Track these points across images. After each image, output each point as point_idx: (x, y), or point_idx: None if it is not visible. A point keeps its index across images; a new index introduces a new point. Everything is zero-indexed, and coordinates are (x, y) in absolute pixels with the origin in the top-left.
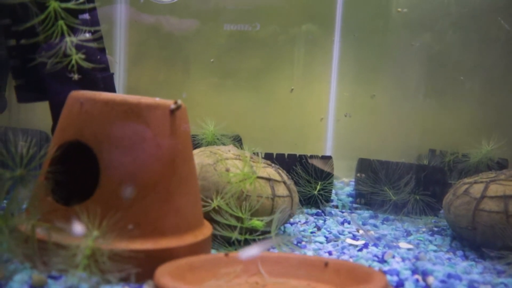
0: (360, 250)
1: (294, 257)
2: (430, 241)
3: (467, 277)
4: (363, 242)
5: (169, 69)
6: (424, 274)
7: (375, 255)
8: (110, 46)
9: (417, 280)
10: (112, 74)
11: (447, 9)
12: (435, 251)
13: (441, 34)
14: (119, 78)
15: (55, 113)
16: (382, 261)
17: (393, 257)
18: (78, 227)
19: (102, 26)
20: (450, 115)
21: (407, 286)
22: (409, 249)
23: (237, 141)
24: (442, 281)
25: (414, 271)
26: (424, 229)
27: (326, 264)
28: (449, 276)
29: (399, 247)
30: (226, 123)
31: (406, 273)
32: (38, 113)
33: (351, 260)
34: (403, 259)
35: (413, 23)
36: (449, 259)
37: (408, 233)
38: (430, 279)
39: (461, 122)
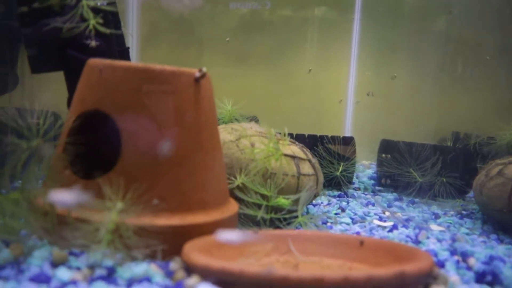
0: (390, 231)
1: (327, 235)
2: (461, 224)
3: (510, 260)
4: (391, 223)
5: (183, 50)
6: (464, 255)
7: (408, 236)
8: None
9: (457, 261)
10: (128, 48)
11: None
12: (467, 234)
13: (466, 13)
14: (132, 60)
15: (71, 83)
16: (417, 242)
17: (428, 238)
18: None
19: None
20: (474, 97)
21: (448, 267)
22: (441, 232)
23: (255, 122)
24: (485, 263)
25: (452, 252)
26: (452, 212)
27: (361, 242)
28: (491, 258)
29: (430, 229)
30: (242, 104)
31: (444, 254)
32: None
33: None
34: (439, 240)
35: (437, 2)
36: (484, 242)
37: (436, 216)
38: (472, 261)
39: (486, 104)
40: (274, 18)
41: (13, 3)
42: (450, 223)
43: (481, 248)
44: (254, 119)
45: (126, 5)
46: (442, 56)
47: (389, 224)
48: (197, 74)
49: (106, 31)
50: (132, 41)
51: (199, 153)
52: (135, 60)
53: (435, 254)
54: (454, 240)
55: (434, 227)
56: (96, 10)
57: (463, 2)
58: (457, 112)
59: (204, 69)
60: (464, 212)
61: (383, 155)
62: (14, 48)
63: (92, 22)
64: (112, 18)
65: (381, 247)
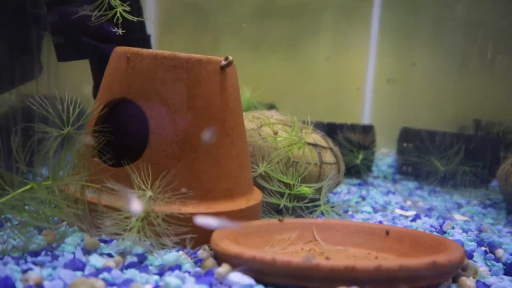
0: (413, 220)
1: (352, 224)
2: (485, 214)
3: None
4: (413, 212)
5: (200, 36)
6: (491, 246)
7: (432, 226)
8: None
9: (485, 252)
10: (150, 35)
11: None
12: (492, 224)
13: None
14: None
15: (97, 72)
16: (441, 231)
17: (453, 228)
18: None
19: None
20: (496, 84)
21: (476, 258)
22: (466, 222)
23: (272, 109)
24: None
25: (479, 243)
26: (475, 202)
27: (387, 232)
28: None
29: (454, 219)
30: (260, 91)
31: (471, 245)
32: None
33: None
34: (464, 231)
35: None
36: (510, 233)
37: (459, 206)
38: (500, 252)
39: (509, 91)
40: (290, 4)
41: None
42: (474, 212)
43: (509, 239)
44: (272, 106)
45: None
46: (464, 42)
47: (411, 213)
48: (223, 62)
49: (133, 18)
50: (150, 28)
51: (225, 141)
52: (154, 47)
53: (462, 245)
54: (480, 230)
55: (457, 217)
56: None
57: None
58: (478, 99)
59: (230, 58)
60: (487, 202)
61: (404, 144)
62: (38, 36)
63: (119, 10)
64: (135, 6)
65: (407, 236)
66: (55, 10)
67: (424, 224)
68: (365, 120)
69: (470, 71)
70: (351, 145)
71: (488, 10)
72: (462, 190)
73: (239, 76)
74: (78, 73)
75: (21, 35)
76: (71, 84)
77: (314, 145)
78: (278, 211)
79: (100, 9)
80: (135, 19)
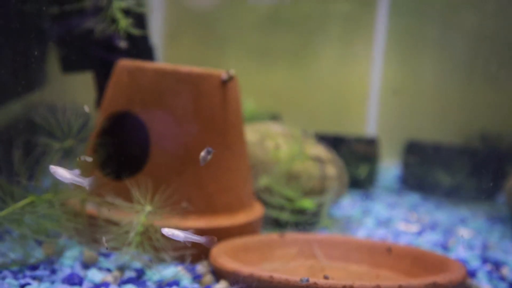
0: (417, 235)
1: (353, 240)
2: (491, 229)
3: None
4: (418, 227)
5: (205, 47)
6: (497, 264)
7: (436, 242)
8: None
9: (490, 271)
10: (154, 46)
11: None
12: (498, 240)
13: (496, 8)
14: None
15: (100, 83)
16: (446, 248)
17: (458, 243)
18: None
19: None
20: (503, 95)
21: (480, 276)
22: (471, 238)
23: (277, 120)
24: None
25: (484, 261)
26: (481, 216)
27: (389, 249)
28: None
29: (459, 235)
30: (264, 101)
31: (475, 263)
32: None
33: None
34: (469, 248)
35: None
36: None
37: (465, 220)
38: (505, 270)
39: None
40: (295, 14)
41: (43, 3)
42: (480, 227)
43: None
44: (276, 116)
45: (150, 3)
46: (471, 52)
47: (415, 228)
48: (224, 77)
49: (136, 32)
50: (157, 38)
51: (226, 155)
52: (160, 57)
53: (466, 262)
54: (485, 247)
55: (463, 232)
56: (125, 11)
57: None
58: (485, 111)
59: (232, 72)
60: (494, 216)
61: (413, 156)
62: (43, 47)
63: (123, 24)
64: (140, 17)
65: (409, 254)
66: (60, 21)
67: (428, 240)
68: (371, 130)
69: (478, 82)
70: (355, 156)
71: (498, 21)
72: (469, 203)
73: (243, 86)
74: (84, 81)
75: (25, 45)
76: (77, 92)
77: (317, 159)
78: (279, 224)
79: (106, 21)
80: (138, 32)
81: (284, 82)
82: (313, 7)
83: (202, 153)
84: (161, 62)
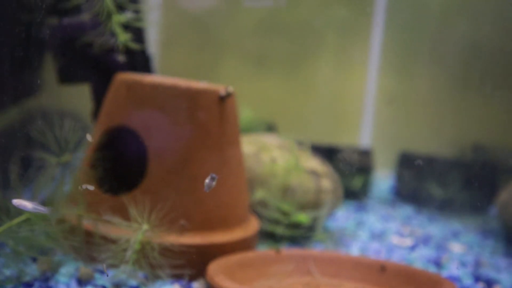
0: (410, 250)
1: (348, 258)
2: (483, 244)
3: None
4: (411, 241)
5: (201, 54)
6: (489, 283)
7: (429, 258)
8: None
9: None
10: (151, 57)
11: None
12: (490, 254)
13: (489, 19)
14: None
15: (97, 95)
16: (438, 264)
17: (449, 260)
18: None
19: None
20: (497, 106)
21: None
22: (463, 253)
23: (272, 129)
24: None
25: (477, 278)
26: (473, 229)
27: (383, 267)
28: None
29: (451, 250)
30: (260, 109)
31: (468, 281)
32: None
33: (403, 263)
34: (462, 264)
35: (460, 8)
36: (510, 265)
37: (457, 234)
38: None
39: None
40: (292, 22)
41: (40, 13)
42: (472, 241)
43: (507, 274)
44: (272, 126)
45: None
46: (465, 64)
47: (408, 242)
48: (222, 93)
49: (135, 46)
50: (153, 45)
51: (223, 171)
52: (156, 64)
53: (458, 280)
54: (478, 264)
55: (455, 247)
56: (124, 26)
57: (491, 8)
58: (478, 123)
59: (230, 89)
60: (486, 230)
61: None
62: (39, 56)
63: (122, 38)
64: (138, 29)
65: (402, 272)
66: (59, 32)
67: (422, 255)
68: (366, 139)
69: (472, 94)
70: (349, 167)
71: (492, 34)
72: (462, 216)
73: (239, 94)
74: (81, 89)
75: (20, 52)
76: (74, 99)
77: (312, 172)
78: (274, 238)
79: (105, 35)
80: (137, 47)
81: (280, 90)
82: (310, 14)
83: (207, 180)
84: (158, 74)
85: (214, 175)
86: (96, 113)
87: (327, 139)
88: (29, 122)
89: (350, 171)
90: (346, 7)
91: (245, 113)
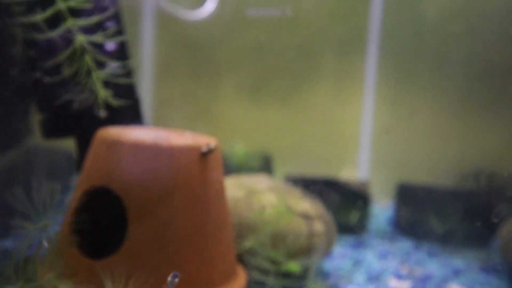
0: None
1: None
2: (485, 281)
3: None
4: (409, 283)
5: (196, 82)
6: None
7: None
8: (136, 59)
9: None
10: (139, 100)
11: (495, 17)
12: None
13: (488, 42)
14: (146, 92)
15: (81, 147)
16: None
17: None
18: None
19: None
20: (500, 132)
21: None
22: None
23: (267, 161)
24: None
25: None
26: (476, 266)
27: None
28: None
29: None
30: (255, 139)
31: None
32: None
33: None
34: None
35: (458, 31)
36: None
37: (458, 272)
38: None
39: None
40: (288, 47)
41: (27, 63)
42: (474, 280)
43: None
44: (267, 158)
45: (139, 38)
46: (465, 87)
47: (407, 285)
48: (204, 149)
49: (118, 103)
50: (146, 72)
51: (207, 229)
52: (150, 94)
53: None
54: None
55: None
56: (106, 82)
57: (490, 27)
58: (481, 149)
59: (212, 144)
60: (489, 265)
61: (404, 200)
62: (27, 103)
63: (102, 94)
64: (126, 69)
65: None
66: (42, 88)
67: None
68: (363, 170)
69: (471, 120)
70: (346, 201)
71: (491, 58)
72: (462, 250)
73: (234, 126)
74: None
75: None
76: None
77: (304, 215)
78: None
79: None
80: (120, 103)
81: (275, 120)
82: (305, 41)
83: (169, 278)
84: (147, 122)
85: (176, 273)
86: (80, 165)
87: (324, 170)
88: (13, 174)
89: (347, 204)
90: (341, 30)
91: (238, 148)
